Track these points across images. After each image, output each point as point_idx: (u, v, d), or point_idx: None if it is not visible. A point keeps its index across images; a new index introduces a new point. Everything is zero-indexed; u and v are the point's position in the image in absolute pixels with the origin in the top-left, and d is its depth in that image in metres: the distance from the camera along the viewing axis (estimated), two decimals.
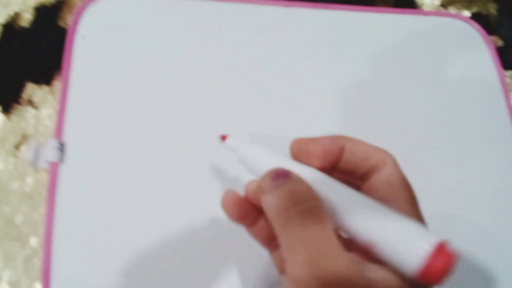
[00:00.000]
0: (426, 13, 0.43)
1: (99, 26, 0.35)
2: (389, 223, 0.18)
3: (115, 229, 0.31)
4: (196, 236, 0.31)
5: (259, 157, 0.22)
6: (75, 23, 0.35)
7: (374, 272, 0.18)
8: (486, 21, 0.45)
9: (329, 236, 0.18)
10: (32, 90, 0.37)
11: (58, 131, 0.32)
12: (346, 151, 0.21)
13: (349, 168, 0.21)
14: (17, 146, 0.35)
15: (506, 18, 0.45)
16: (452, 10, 0.45)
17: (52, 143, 0.31)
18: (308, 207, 0.19)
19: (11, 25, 0.39)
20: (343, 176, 0.22)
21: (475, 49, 0.43)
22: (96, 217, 0.31)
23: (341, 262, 0.17)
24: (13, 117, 0.36)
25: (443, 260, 0.16)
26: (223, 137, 0.25)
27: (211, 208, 0.29)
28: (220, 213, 0.22)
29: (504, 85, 0.41)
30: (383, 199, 0.20)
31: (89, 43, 0.34)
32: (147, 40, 0.36)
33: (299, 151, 0.22)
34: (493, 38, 0.44)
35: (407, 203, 0.20)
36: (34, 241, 0.33)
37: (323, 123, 0.36)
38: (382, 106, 0.38)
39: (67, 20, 0.39)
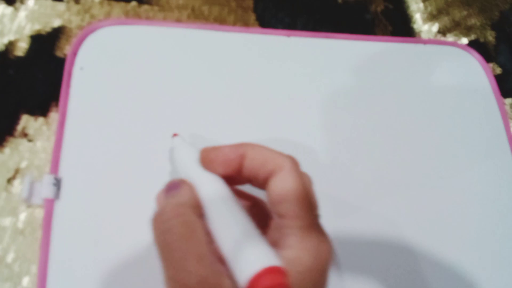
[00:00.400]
0: (424, 41, 0.43)
1: (98, 57, 0.34)
2: (238, 242, 0.19)
3: (114, 271, 0.29)
4: None
5: (178, 161, 0.25)
6: (74, 54, 0.34)
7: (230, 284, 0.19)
8: (485, 49, 0.45)
9: (188, 251, 0.19)
10: (27, 122, 0.36)
11: (54, 166, 0.31)
12: (247, 157, 0.22)
13: (252, 175, 0.22)
14: (9, 181, 0.34)
15: (504, 46, 0.46)
16: (450, 37, 0.46)
17: (48, 179, 0.30)
18: (170, 226, 0.20)
19: (6, 54, 0.38)
20: (251, 183, 0.23)
21: (474, 76, 0.43)
22: (93, 257, 0.30)
23: (198, 276, 0.18)
24: (6, 150, 0.35)
25: (266, 284, 0.17)
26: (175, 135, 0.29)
27: None
28: None
29: (503, 113, 0.41)
30: (275, 203, 0.21)
31: (87, 74, 0.33)
32: (147, 72, 0.35)
33: (204, 159, 0.23)
34: (492, 65, 0.45)
35: (295, 208, 0.20)
36: (27, 281, 0.31)
37: (324, 150, 0.35)
38: (381, 133, 0.38)
39: (64, 49, 0.39)
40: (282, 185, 0.21)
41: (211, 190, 0.22)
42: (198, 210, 0.22)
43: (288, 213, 0.20)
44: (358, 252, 0.33)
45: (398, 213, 0.35)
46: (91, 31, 0.35)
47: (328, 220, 0.22)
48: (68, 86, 0.33)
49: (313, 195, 0.22)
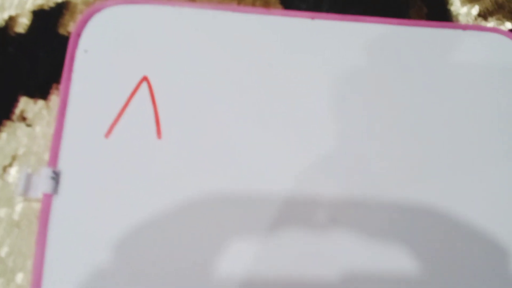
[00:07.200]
0: (462, 27, 0.39)
1: (104, 39, 0.31)
2: None
3: (113, 270, 0.27)
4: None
5: None
6: (77, 35, 0.31)
7: None
8: None
9: None
10: (26, 105, 0.33)
11: (53, 158, 0.28)
12: None
13: None
14: (5, 168, 0.31)
15: None
16: (491, 21, 0.41)
17: (46, 172, 0.28)
18: None
19: (5, 30, 0.36)
20: None
21: None
22: (91, 255, 0.27)
23: None
24: (3, 134, 0.32)
25: None
26: None
27: None
28: None
29: None
30: None
31: (92, 57, 0.30)
32: (157, 56, 0.31)
33: None
34: None
35: None
36: (20, 278, 0.29)
37: (353, 141, 0.32)
38: (415, 124, 0.34)
39: (68, 26, 0.35)
40: None
41: None
42: None
43: None
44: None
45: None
46: (97, 11, 0.31)
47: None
48: (70, 70, 0.30)
49: None
